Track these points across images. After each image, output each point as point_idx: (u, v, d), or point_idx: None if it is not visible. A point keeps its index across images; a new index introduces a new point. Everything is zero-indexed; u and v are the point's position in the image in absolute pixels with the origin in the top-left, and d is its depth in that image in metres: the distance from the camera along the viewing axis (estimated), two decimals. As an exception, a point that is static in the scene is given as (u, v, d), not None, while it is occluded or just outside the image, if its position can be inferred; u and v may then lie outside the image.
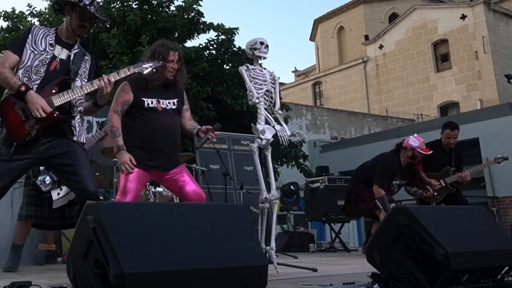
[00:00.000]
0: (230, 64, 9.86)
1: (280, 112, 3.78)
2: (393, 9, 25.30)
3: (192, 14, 9.85)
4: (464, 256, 2.27)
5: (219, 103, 9.16)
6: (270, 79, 3.75)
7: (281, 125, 3.69)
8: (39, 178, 4.06)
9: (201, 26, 9.93)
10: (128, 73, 2.96)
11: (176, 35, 9.56)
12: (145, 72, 2.99)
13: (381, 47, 23.26)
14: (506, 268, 2.52)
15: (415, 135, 5.34)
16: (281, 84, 3.91)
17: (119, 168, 3.01)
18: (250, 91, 3.63)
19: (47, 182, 4.08)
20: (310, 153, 12.16)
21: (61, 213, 4.25)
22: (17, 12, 9.84)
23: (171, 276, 1.81)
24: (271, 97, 3.73)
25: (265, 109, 3.65)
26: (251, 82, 3.64)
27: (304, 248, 7.36)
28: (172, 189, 3.39)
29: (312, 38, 29.08)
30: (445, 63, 21.34)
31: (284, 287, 2.69)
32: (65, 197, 4.18)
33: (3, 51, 2.93)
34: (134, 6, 9.57)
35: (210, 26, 9.89)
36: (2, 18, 9.75)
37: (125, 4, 9.59)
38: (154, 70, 3.02)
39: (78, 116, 2.97)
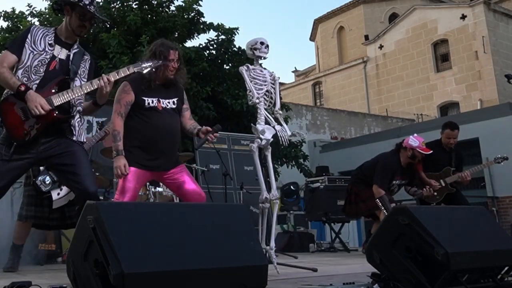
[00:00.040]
0: (230, 64, 9.86)
1: (280, 112, 3.78)
2: (393, 9, 25.30)
3: (192, 14, 9.85)
4: (464, 256, 2.26)
5: (219, 103, 9.15)
6: (270, 79, 3.75)
7: (281, 125, 3.69)
8: (39, 178, 4.06)
9: (201, 26, 9.93)
10: (128, 72, 2.96)
11: (176, 35, 9.56)
12: (145, 71, 2.99)
13: (381, 47, 23.26)
14: (506, 268, 2.52)
15: (415, 135, 5.34)
16: (281, 84, 3.91)
17: (114, 171, 3.02)
18: (250, 91, 3.63)
19: (47, 182, 4.08)
20: (310, 153, 12.17)
21: (61, 213, 4.25)
22: (17, 12, 9.85)
23: (171, 276, 1.81)
24: (271, 97, 3.73)
25: (265, 109, 3.65)
26: (251, 82, 3.64)
27: (304, 248, 7.36)
28: (171, 188, 3.39)
29: (312, 38, 29.08)
30: (445, 63, 21.35)
31: (284, 287, 2.69)
32: (65, 197, 4.18)
33: (3, 51, 2.92)
34: (134, 6, 9.57)
35: (210, 26, 9.89)
36: (2, 18, 9.76)
37: (125, 4, 9.59)
38: (153, 69, 3.02)
39: (77, 116, 2.97)
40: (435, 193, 5.43)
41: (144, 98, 3.11)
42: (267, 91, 3.71)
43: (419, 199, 5.67)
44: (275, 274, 3.18)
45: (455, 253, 2.21)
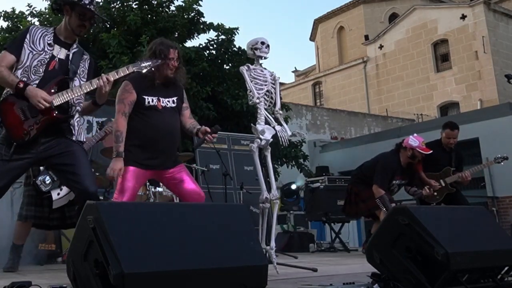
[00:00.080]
0: (230, 64, 9.86)
1: (280, 112, 3.78)
2: (393, 9, 25.30)
3: (192, 14, 9.85)
4: (464, 256, 2.26)
5: (219, 103, 9.15)
6: (271, 79, 3.75)
7: (281, 125, 3.69)
8: (39, 178, 4.06)
9: (201, 26, 9.94)
10: (127, 72, 2.96)
11: (176, 35, 9.56)
12: (144, 71, 2.99)
13: (381, 47, 23.27)
14: (506, 268, 2.52)
15: (415, 135, 5.34)
16: (281, 84, 3.91)
17: (107, 170, 3.00)
18: (250, 91, 3.62)
19: (47, 182, 4.08)
20: (310, 153, 12.17)
21: (61, 213, 4.25)
22: (17, 12, 9.86)
23: (171, 276, 1.81)
24: (272, 97, 3.73)
25: (265, 109, 3.65)
26: (251, 82, 3.64)
27: (304, 248, 7.36)
28: (171, 188, 3.39)
29: (312, 38, 29.08)
30: (445, 63, 21.35)
31: (284, 287, 2.69)
32: (65, 197, 4.18)
33: (1, 52, 2.92)
34: (134, 6, 9.58)
35: (210, 26, 9.90)
36: (2, 18, 9.76)
37: (125, 4, 9.59)
38: (153, 68, 3.02)
39: (77, 115, 2.98)
40: (435, 193, 5.43)
41: (145, 96, 3.10)
42: (267, 91, 3.71)
43: (419, 199, 5.67)
44: (275, 274, 3.18)
45: (455, 253, 2.21)
